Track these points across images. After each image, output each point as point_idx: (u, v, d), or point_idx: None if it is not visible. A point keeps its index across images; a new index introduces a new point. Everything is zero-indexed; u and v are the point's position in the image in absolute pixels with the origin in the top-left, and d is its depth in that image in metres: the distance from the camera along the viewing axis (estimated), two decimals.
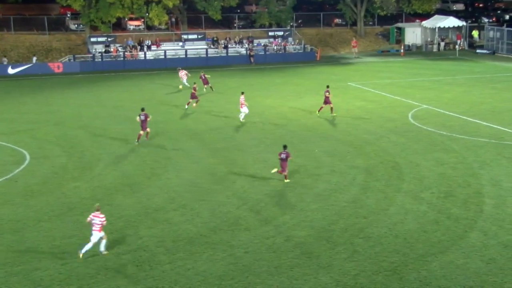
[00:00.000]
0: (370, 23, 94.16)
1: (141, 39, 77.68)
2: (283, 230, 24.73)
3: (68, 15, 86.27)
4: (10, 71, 68.72)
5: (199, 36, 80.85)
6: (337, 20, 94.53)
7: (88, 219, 22.75)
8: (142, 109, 38.74)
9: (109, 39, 76.51)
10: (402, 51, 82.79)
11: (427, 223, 25.06)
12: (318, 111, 44.86)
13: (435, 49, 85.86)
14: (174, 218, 26.10)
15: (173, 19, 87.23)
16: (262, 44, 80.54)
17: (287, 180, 30.54)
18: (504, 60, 74.51)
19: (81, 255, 22.29)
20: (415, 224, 24.97)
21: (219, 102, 50.88)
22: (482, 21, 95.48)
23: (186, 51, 75.90)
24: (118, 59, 73.91)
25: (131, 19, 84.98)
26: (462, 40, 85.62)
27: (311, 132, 40.25)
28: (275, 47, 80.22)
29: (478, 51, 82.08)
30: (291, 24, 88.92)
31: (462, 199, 27.74)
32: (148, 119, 38.17)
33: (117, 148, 37.33)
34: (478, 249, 22.65)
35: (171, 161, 34.55)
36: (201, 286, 20.42)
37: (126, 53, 74.35)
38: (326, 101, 44.11)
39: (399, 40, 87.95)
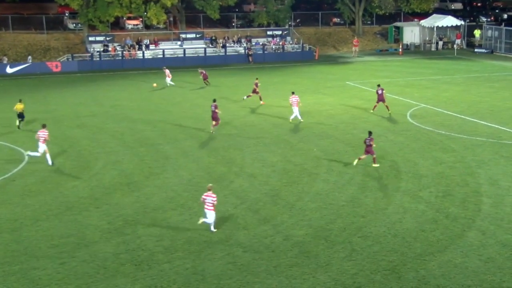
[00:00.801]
0: (369, 22, 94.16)
1: (139, 38, 77.65)
2: (282, 229, 24.72)
3: (66, 14, 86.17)
4: (9, 70, 68.67)
5: (197, 35, 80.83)
6: (335, 19, 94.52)
7: (201, 199, 24.62)
8: (214, 100, 41.02)
9: (107, 38, 76.48)
10: (400, 50, 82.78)
11: (425, 222, 25.06)
12: (373, 109, 44.56)
13: (433, 48, 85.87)
14: (172, 218, 26.09)
15: (172, 18, 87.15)
16: (261, 43, 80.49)
17: (376, 165, 32.01)
18: (502, 59, 74.57)
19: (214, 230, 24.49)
20: (414, 223, 24.97)
21: (218, 102, 50.67)
22: (480, 20, 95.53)
23: (184, 50, 75.86)
24: (117, 58, 73.87)
25: (129, 18, 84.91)
26: (461, 39, 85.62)
27: (309, 131, 40.23)
28: (273, 46, 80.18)
29: (476, 50, 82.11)
30: (289, 23, 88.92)
31: (460, 198, 27.74)
32: (217, 110, 39.93)
33: (115, 147, 37.30)
34: (476, 248, 22.66)
35: (170, 160, 34.53)
36: (200, 285, 20.41)
37: (124, 52, 74.32)
38: (380, 99, 43.92)
39: (398, 39, 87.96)
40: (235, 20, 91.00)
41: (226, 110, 47.19)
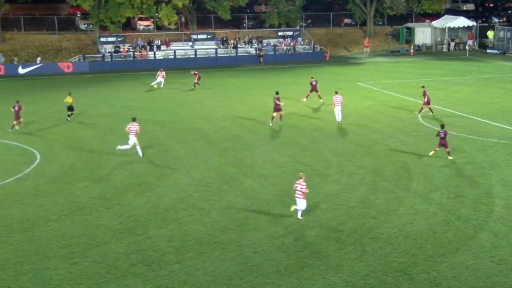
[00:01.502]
0: (380, 23, 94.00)
1: (150, 39, 77.86)
2: (292, 230, 24.68)
3: (78, 15, 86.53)
4: (21, 71, 68.93)
5: (208, 36, 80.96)
6: (346, 20, 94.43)
7: (294, 187, 25.58)
8: (277, 93, 42.20)
9: (118, 39, 76.66)
10: (411, 51, 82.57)
11: (436, 224, 24.96)
12: (419, 111, 43.99)
13: (445, 49, 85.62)
14: (183, 218, 26.10)
15: (183, 19, 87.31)
16: (272, 44, 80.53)
17: (451, 157, 33.06)
18: None
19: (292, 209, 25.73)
20: (425, 225, 24.87)
21: (227, 102, 50.89)
22: (493, 21, 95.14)
23: (195, 51, 75.97)
24: (128, 59, 74.05)
25: (140, 19, 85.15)
26: (473, 40, 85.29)
27: (320, 132, 40.18)
28: (284, 47, 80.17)
29: (488, 51, 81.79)
30: (301, 24, 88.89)
31: (471, 199, 27.62)
32: (278, 102, 41.33)
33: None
34: (488, 250, 22.54)
35: (180, 161, 34.55)
36: (210, 286, 20.40)
37: (135, 53, 74.48)
38: (427, 102, 43.30)
39: (409, 40, 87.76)
40: (246, 21, 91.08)
41: (236, 110, 47.26)
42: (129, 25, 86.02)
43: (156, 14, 78.55)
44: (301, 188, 25.33)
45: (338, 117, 41.98)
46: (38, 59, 71.86)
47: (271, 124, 41.34)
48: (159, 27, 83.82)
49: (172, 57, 74.87)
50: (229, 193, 29.14)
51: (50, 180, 31.49)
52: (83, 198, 28.67)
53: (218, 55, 76.59)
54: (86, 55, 74.21)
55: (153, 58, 74.44)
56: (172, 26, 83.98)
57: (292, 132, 40.43)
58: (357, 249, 22.85)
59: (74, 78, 66.01)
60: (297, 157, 34.62)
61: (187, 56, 75.87)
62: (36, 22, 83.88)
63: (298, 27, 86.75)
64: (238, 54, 77.50)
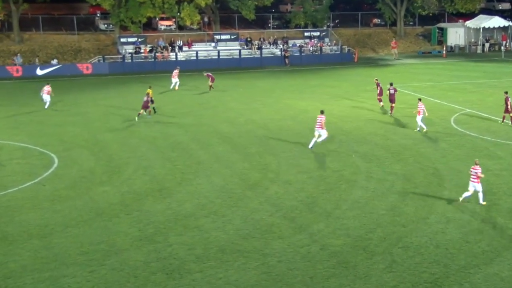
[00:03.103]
0: (411, 23, 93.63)
1: (172, 39, 78.22)
2: (318, 238, 24.65)
3: (98, 15, 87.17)
4: (39, 72, 69.58)
5: (232, 37, 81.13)
6: (375, 20, 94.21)
7: (469, 171, 27.69)
8: (391, 84, 46.00)
9: (139, 40, 77.09)
10: (444, 52, 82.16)
11: (470, 233, 24.78)
12: (502, 121, 43.02)
13: (479, 51, 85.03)
14: (204, 225, 26.16)
15: (206, 19, 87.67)
16: (298, 45, 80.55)
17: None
18: None
19: (460, 200, 27.73)
20: (457, 234, 24.71)
21: (252, 105, 50.97)
22: None
23: (218, 52, 76.15)
24: (149, 60, 74.46)
25: (162, 19, 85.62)
26: (508, 40, 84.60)
27: (348, 137, 40.09)
28: (310, 48, 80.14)
29: None
30: (328, 24, 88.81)
31: (507, 208, 27.39)
32: (396, 92, 45.57)
33: (146, 151, 37.56)
34: None
35: (202, 165, 34.66)
36: None
37: (157, 54, 74.86)
38: (507, 110, 42.28)
39: (441, 41, 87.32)
40: (271, 20, 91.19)
41: (261, 113, 47.31)
42: (150, 25, 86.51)
43: (178, 13, 78.97)
44: (475, 171, 27.33)
45: (424, 126, 40.66)
46: (55, 60, 72.38)
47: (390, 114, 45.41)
48: (181, 27, 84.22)
49: (194, 58, 75.15)
50: (253, 199, 29.16)
51: (69, 185, 31.74)
52: (102, 204, 28.87)
53: (242, 56, 76.74)
54: (105, 56, 74.75)
55: (174, 59, 74.75)
56: (195, 26, 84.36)
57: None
58: (386, 258, 22.75)
59: (93, 80, 66.54)
60: (324, 162, 34.57)
61: (209, 57, 76.08)
62: (55, 22, 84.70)
63: (325, 28, 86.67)
64: (263, 55, 77.59)
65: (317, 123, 37.28)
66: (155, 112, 47.15)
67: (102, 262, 22.79)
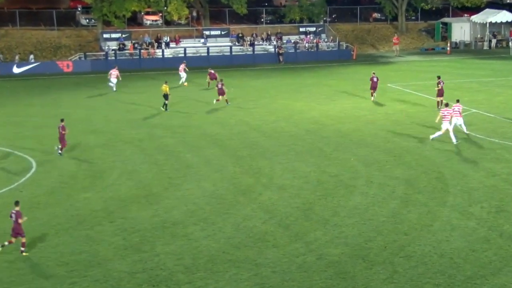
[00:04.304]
0: (413, 17, 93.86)
1: (158, 35, 78.14)
2: (315, 247, 24.68)
3: (79, 9, 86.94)
4: (16, 70, 69.35)
5: (222, 32, 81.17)
6: (375, 15, 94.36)
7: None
8: (439, 77, 47.56)
9: (123, 36, 77.01)
10: (448, 49, 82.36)
11: (476, 241, 24.84)
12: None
13: (485, 47, 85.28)
14: (194, 234, 26.15)
15: (194, 14, 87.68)
16: (292, 41, 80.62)
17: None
18: None
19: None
20: (463, 242, 24.77)
21: (243, 105, 50.98)
22: None
23: (208, 49, 76.16)
24: (133, 57, 74.43)
25: (147, 13, 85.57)
26: None
27: (346, 139, 40.15)
28: (306, 45, 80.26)
29: None
30: (324, 19, 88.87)
31: None
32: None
33: (131, 155, 37.53)
34: None
35: (191, 170, 34.66)
36: None
37: (142, 50, 74.82)
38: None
39: (445, 36, 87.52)
40: (264, 15, 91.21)
41: (253, 114, 47.34)
42: (135, 20, 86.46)
43: (165, 7, 78.96)
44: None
45: (464, 127, 40.27)
46: (31, 57, 72.12)
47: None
48: (168, 22, 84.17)
49: (182, 55, 75.06)
50: (245, 206, 29.17)
51: (48, 191, 31.68)
52: (84, 211, 28.81)
53: (233, 53, 76.77)
54: (87, 53, 74.62)
55: (161, 56, 74.77)
56: (183, 21, 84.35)
57: (315, 138, 40.43)
58: (387, 269, 22.79)
59: (74, 78, 66.43)
60: (321, 167, 34.61)
61: (198, 54, 76.09)
62: (33, 16, 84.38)
63: (321, 23, 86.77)
64: (255, 52, 77.65)
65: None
66: (165, 109, 48.88)
67: (84, 274, 22.74)
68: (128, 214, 28.29)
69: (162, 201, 29.91)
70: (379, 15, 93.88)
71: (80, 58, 73.92)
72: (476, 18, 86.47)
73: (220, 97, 50.10)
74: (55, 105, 52.71)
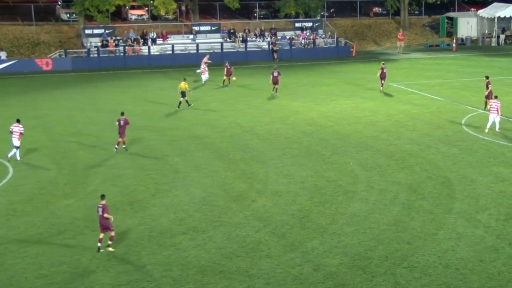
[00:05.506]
0: (416, 12, 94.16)
1: (144, 31, 78.07)
2: (312, 257, 24.71)
3: (59, 3, 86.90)
4: None
5: (212, 28, 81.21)
6: (376, 9, 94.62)
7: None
8: (487, 77, 47.35)
9: (107, 31, 76.90)
10: (454, 45, 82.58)
11: (484, 251, 24.91)
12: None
13: (493, 43, 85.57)
14: (182, 243, 26.16)
15: (183, 8, 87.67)
16: (288, 37, 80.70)
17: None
18: None
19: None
20: (470, 252, 24.83)
21: (236, 106, 51.02)
22: None
23: (197, 45, 76.14)
24: (118, 54, 74.35)
25: (132, 7, 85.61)
26: None
27: (345, 142, 40.21)
28: (302, 41, 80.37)
29: None
30: (322, 13, 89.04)
31: None
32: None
33: (116, 159, 37.51)
34: None
35: (179, 175, 34.67)
36: None
37: (127, 47, 74.75)
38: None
39: (451, 32, 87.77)
40: (257, 9, 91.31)
41: (246, 115, 47.38)
42: (119, 15, 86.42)
43: (151, 1, 78.92)
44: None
45: (494, 125, 41.10)
46: (2, 53, 71.79)
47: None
48: (154, 17, 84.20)
49: (170, 52, 75.15)
50: (237, 213, 29.19)
51: (26, 198, 31.62)
52: (65, 219, 28.78)
53: (224, 50, 76.79)
54: (68, 50, 74.56)
55: (147, 53, 74.74)
56: (170, 16, 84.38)
57: (312, 141, 40.48)
58: (389, 280, 22.84)
59: (54, 77, 66.35)
60: (319, 171, 34.66)
61: (187, 52, 76.11)
62: (10, 11, 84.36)
63: (319, 17, 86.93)
64: (248, 49, 77.75)
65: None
66: (188, 105, 49.98)
67: (65, 286, 22.73)
68: (112, 223, 28.23)
69: (149, 209, 29.90)
70: (380, 9, 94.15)
71: (60, 55, 73.82)
72: (483, 12, 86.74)
73: (276, 86, 54.74)
74: (34, 106, 52.62)
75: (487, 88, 46.84)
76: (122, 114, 39.00)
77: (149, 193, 32.01)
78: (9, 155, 36.96)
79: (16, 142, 36.97)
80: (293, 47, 79.02)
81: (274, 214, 28.91)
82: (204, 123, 45.68)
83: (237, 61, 74.32)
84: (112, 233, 25.29)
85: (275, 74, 53.94)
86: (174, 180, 33.87)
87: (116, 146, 38.63)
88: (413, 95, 53.74)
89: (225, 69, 59.24)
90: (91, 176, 34.63)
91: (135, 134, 42.47)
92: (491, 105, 41.18)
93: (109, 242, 25.24)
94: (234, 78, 59.05)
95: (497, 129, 40.96)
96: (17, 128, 37.02)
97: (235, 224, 27.91)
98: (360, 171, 34.58)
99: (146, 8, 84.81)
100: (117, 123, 38.63)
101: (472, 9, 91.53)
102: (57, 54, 74.30)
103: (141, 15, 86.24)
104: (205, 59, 61.23)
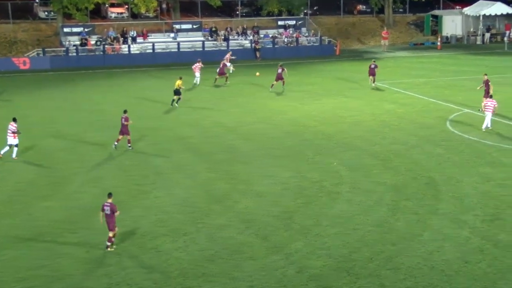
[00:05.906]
0: (401, 10, 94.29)
1: (124, 29, 77.84)
2: (295, 259, 24.78)
3: (37, 1, 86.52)
4: None
5: (194, 26, 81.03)
6: (360, 7, 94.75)
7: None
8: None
9: (86, 30, 76.58)
10: (439, 44, 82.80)
11: (469, 252, 25.05)
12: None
13: (479, 42, 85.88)
14: (164, 245, 26.16)
15: (163, 6, 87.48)
16: (270, 35, 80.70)
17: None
18: None
19: None
20: (455, 253, 24.97)
21: (218, 106, 51.00)
22: None
23: (178, 44, 75.97)
24: (97, 53, 74.12)
25: (112, 5, 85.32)
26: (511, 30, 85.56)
27: (329, 142, 40.32)
28: (285, 39, 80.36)
29: None
30: (305, 11, 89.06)
31: None
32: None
33: (96, 160, 37.43)
34: None
35: (161, 176, 34.65)
36: None
37: (106, 46, 74.55)
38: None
39: (435, 30, 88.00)
40: (239, 7, 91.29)
41: (229, 115, 47.38)
42: (98, 13, 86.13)
43: None
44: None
45: (485, 124, 41.56)
46: None
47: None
48: (134, 15, 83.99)
49: (151, 51, 74.95)
50: (220, 215, 29.22)
51: (4, 200, 31.51)
52: (44, 222, 28.71)
53: (206, 49, 76.64)
54: (46, 49, 74.16)
55: (127, 52, 74.49)
56: (151, 14, 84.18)
57: (296, 141, 40.54)
58: (373, 282, 22.93)
59: (32, 76, 66.04)
60: (302, 172, 34.73)
61: (168, 50, 75.93)
62: None
63: (302, 15, 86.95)
64: (230, 48, 77.52)
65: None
66: (176, 102, 50.44)
67: None
68: (92, 225, 28.16)
69: (130, 210, 29.83)
70: (364, 7, 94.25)
71: (38, 54, 73.42)
72: (468, 10, 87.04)
73: (279, 81, 55.68)
74: (11, 106, 52.33)
75: (487, 85, 46.95)
76: (125, 112, 39.48)
77: (130, 194, 31.97)
78: (2, 152, 37.47)
79: (11, 140, 37.50)
80: (276, 46, 79.03)
81: (258, 216, 28.97)
82: (186, 123, 45.64)
83: (219, 59, 74.14)
84: (111, 234, 25.26)
85: (279, 70, 55.21)
86: (156, 181, 33.84)
87: (115, 143, 39.07)
88: (398, 94, 53.91)
89: (221, 65, 59.69)
90: (70, 178, 34.54)
91: (116, 134, 42.36)
92: (486, 103, 41.42)
93: (108, 243, 25.20)
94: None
95: (483, 127, 41.21)
96: (11, 127, 37.51)
97: (218, 225, 27.94)
98: (345, 172, 34.69)
99: (126, 6, 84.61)
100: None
101: (457, 7, 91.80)
102: (35, 53, 73.94)
103: (121, 13, 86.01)
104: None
